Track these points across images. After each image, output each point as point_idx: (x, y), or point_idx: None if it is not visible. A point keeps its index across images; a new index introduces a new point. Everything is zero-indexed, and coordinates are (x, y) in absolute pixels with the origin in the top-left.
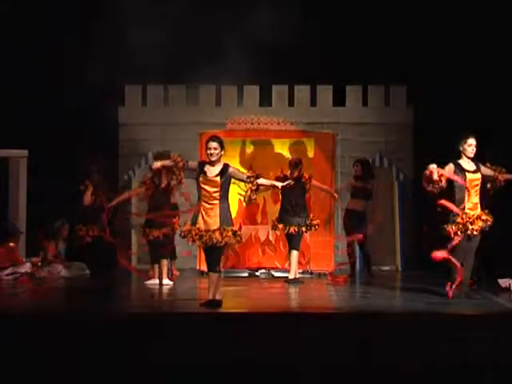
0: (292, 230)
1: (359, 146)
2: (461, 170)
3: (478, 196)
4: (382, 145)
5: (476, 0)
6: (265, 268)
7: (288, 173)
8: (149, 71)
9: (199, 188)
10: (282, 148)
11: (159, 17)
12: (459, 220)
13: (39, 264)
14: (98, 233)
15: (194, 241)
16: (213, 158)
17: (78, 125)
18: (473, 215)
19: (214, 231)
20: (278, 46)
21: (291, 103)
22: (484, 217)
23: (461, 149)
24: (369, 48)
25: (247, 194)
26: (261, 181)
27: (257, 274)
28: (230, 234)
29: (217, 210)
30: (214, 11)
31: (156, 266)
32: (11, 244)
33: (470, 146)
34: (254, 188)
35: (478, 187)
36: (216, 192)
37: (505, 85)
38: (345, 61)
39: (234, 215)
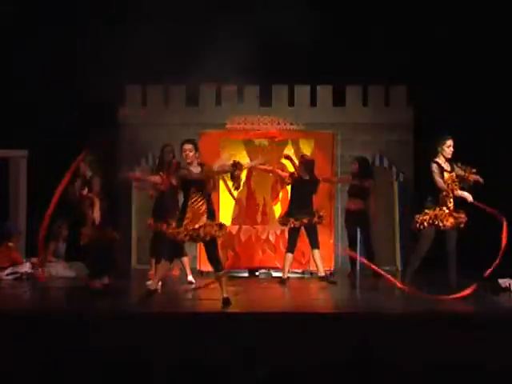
0: (305, 220)
1: (359, 145)
2: (441, 170)
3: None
4: (382, 145)
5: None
6: (265, 268)
7: (297, 169)
8: (149, 71)
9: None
10: (283, 148)
11: (159, 16)
12: (430, 212)
13: (38, 264)
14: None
15: (183, 240)
16: (188, 160)
17: (77, 125)
18: (444, 210)
19: (200, 227)
20: (278, 46)
21: (291, 103)
22: (456, 214)
23: (439, 149)
24: (369, 48)
25: (235, 181)
26: (250, 163)
27: (257, 273)
28: (215, 228)
29: (203, 208)
30: (214, 11)
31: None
32: (11, 244)
33: (449, 147)
34: (239, 173)
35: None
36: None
37: (505, 84)
38: (345, 61)
39: (234, 215)
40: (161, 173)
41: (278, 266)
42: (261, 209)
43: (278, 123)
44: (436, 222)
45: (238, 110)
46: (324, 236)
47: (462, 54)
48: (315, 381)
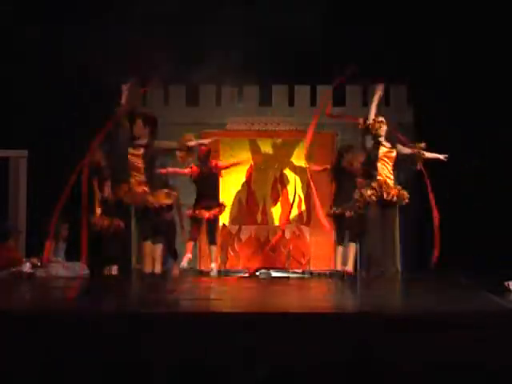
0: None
1: (359, 145)
2: (378, 144)
3: (391, 173)
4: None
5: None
6: (265, 268)
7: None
8: (149, 71)
9: None
10: (283, 148)
11: (159, 16)
12: (375, 185)
13: (39, 264)
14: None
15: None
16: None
17: (77, 125)
18: (388, 183)
19: None
20: (278, 46)
21: (291, 103)
22: (400, 191)
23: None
24: (369, 48)
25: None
26: (203, 141)
27: (257, 273)
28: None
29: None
30: (213, 11)
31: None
32: (10, 244)
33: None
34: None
35: (391, 163)
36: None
37: (505, 84)
38: (345, 61)
39: (233, 215)
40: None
41: (278, 266)
42: (261, 209)
43: (278, 123)
44: (381, 193)
45: (237, 109)
46: (324, 235)
47: (462, 54)
48: (315, 381)
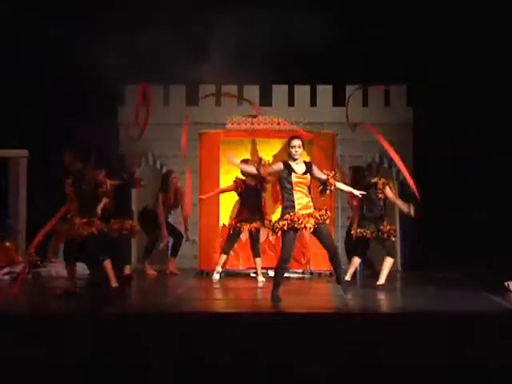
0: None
1: (359, 146)
2: (288, 170)
3: (307, 196)
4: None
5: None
6: (265, 268)
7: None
8: (149, 71)
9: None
10: (282, 148)
11: (159, 16)
12: (287, 217)
13: (39, 264)
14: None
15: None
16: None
17: (77, 125)
18: (302, 214)
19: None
20: (278, 46)
21: (291, 103)
22: (318, 214)
23: (288, 151)
24: (369, 48)
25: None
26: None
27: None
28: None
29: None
30: (213, 11)
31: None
32: (8, 244)
33: (294, 147)
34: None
35: (306, 188)
36: None
37: (505, 84)
38: (345, 61)
39: (234, 215)
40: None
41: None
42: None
43: (278, 123)
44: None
45: (237, 109)
46: None
47: (462, 54)
48: (315, 381)
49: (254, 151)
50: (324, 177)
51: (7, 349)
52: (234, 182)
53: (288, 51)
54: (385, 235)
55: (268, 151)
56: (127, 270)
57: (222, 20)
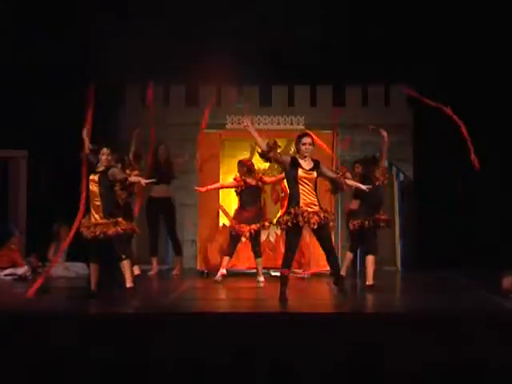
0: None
1: (359, 146)
2: (295, 165)
3: (313, 194)
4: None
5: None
6: (265, 268)
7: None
8: (149, 71)
9: None
10: (283, 148)
11: (159, 16)
12: (291, 211)
13: (39, 264)
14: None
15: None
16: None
17: (77, 125)
18: (306, 210)
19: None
20: (278, 46)
21: (291, 103)
22: (322, 214)
23: (297, 147)
24: (369, 48)
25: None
26: (133, 179)
27: None
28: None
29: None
30: (213, 11)
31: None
32: (12, 245)
33: (305, 144)
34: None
35: (312, 185)
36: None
37: (505, 84)
38: (345, 61)
39: (234, 215)
40: (235, 176)
41: (278, 266)
42: None
43: (278, 123)
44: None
45: (237, 109)
46: None
47: (463, 54)
48: (315, 381)
49: (254, 151)
50: (334, 175)
51: (7, 349)
52: (235, 180)
53: (288, 51)
54: (381, 224)
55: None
56: (136, 270)
57: (221, 20)
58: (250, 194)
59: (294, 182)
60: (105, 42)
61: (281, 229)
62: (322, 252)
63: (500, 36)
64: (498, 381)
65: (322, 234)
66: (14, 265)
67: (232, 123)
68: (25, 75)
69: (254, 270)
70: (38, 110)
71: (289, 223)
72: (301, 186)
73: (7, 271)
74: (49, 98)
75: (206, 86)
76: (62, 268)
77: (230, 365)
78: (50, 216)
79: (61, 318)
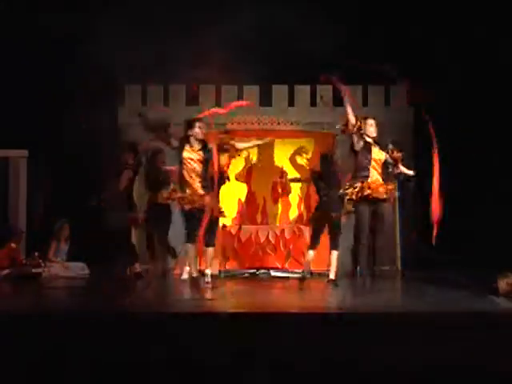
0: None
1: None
2: (365, 142)
3: (379, 174)
4: (381, 145)
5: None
6: (265, 268)
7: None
8: (149, 71)
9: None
10: (283, 148)
11: (159, 16)
12: (358, 184)
13: (40, 263)
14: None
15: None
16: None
17: (77, 125)
18: (372, 182)
19: None
20: (278, 46)
21: (291, 103)
22: (382, 189)
23: (365, 130)
24: (369, 48)
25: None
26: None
27: (257, 273)
28: None
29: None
30: (213, 11)
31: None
32: (13, 245)
33: (372, 125)
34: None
35: (380, 165)
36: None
37: (504, 84)
38: (344, 61)
39: (233, 215)
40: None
41: (278, 266)
42: (261, 209)
43: (278, 123)
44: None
45: (237, 110)
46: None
47: (463, 54)
48: (315, 381)
49: (254, 151)
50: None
51: (7, 349)
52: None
53: (288, 51)
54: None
55: (268, 151)
56: (137, 267)
57: (221, 19)
58: None
59: (366, 161)
60: (105, 41)
61: (346, 206)
62: (321, 252)
63: (500, 36)
64: (498, 381)
65: (381, 212)
66: (15, 264)
67: (232, 123)
68: (25, 75)
69: (254, 270)
70: (38, 110)
71: (356, 196)
72: (371, 168)
73: (7, 271)
74: (49, 98)
75: (206, 86)
76: (62, 268)
77: (230, 365)
78: (50, 216)
79: (61, 317)
